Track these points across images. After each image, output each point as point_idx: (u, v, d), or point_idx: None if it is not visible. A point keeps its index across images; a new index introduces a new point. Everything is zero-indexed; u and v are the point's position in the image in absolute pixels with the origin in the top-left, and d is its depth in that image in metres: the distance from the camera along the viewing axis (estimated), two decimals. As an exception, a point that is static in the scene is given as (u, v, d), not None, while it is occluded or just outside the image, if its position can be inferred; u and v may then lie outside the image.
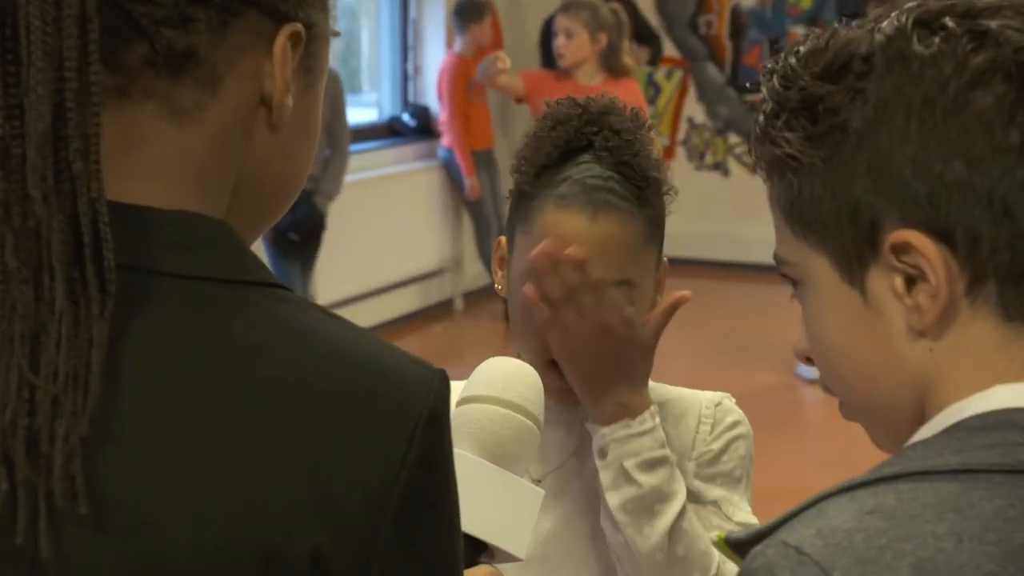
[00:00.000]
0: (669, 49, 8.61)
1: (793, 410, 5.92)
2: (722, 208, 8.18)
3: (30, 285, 0.80)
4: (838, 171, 0.86)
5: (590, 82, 5.03)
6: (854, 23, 0.90)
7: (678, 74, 8.74)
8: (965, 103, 0.83)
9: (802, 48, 0.89)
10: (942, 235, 0.84)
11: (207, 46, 0.86)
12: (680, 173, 8.43)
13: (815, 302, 0.91)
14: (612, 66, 5.34)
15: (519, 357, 1.45)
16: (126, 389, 0.81)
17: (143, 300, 0.83)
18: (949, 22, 0.85)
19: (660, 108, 8.64)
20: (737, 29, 8.56)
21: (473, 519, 1.13)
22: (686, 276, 7.76)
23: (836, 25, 0.90)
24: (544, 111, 1.51)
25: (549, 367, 1.43)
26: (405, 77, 7.64)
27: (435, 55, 7.57)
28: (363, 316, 6.74)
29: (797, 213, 0.89)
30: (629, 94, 5.14)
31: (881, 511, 0.79)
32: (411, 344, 6.50)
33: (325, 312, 0.89)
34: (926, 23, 0.86)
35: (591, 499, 1.46)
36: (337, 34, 0.96)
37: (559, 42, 5.38)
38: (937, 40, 0.85)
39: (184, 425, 0.81)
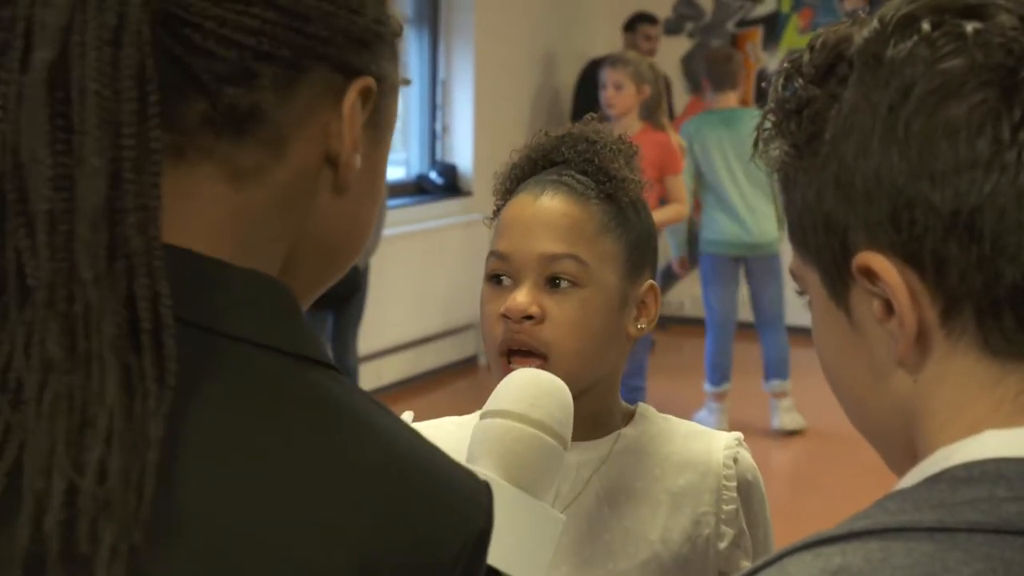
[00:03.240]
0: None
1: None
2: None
3: (77, 375, 0.71)
4: (814, 182, 0.80)
5: (627, 132, 5.18)
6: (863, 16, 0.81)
7: (704, 136, 8.79)
8: (932, 112, 0.75)
9: (814, 46, 0.82)
10: (909, 258, 0.76)
11: (272, 104, 0.79)
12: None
13: (814, 319, 0.85)
14: (651, 117, 5.58)
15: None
16: (185, 468, 0.74)
17: (209, 364, 0.76)
18: (926, 23, 0.77)
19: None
20: (763, 92, 8.60)
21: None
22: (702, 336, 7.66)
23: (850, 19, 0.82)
24: None
25: (500, 358, 1.40)
26: (433, 136, 7.72)
27: (464, 114, 7.65)
28: (388, 371, 6.77)
29: (789, 224, 0.83)
30: (666, 144, 5.46)
31: (847, 572, 0.71)
32: (435, 399, 6.52)
33: (373, 401, 0.83)
34: (908, 23, 0.78)
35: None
36: (408, 82, 0.90)
37: (608, 94, 5.58)
38: (910, 43, 0.77)
39: (241, 522, 0.74)
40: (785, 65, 0.83)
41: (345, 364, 5.65)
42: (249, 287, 0.79)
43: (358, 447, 0.78)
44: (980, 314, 0.75)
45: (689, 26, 8.77)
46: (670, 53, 8.51)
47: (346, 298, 5.56)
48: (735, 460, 1.47)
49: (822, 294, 0.82)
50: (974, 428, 0.76)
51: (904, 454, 0.80)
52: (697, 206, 6.15)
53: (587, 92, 7.69)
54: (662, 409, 1.55)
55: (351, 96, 0.82)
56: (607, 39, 8.27)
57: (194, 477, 0.74)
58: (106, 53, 0.73)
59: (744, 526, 1.46)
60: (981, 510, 0.72)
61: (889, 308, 0.77)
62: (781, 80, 0.83)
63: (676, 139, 5.88)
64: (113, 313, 0.72)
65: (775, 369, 6.06)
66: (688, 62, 8.73)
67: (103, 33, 0.73)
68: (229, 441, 0.75)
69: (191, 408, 0.74)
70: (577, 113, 7.53)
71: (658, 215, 5.36)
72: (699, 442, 1.49)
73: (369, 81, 0.83)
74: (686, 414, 5.73)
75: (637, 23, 7.93)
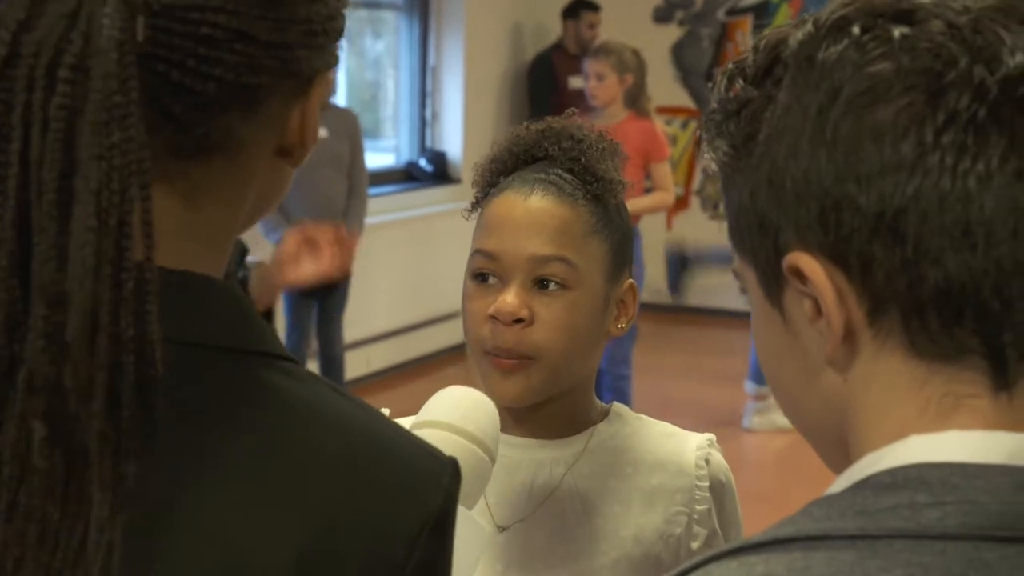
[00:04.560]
0: (684, 99, 8.68)
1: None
2: (735, 258, 8.22)
3: (58, 478, 0.70)
4: (749, 183, 0.80)
5: (613, 121, 5.41)
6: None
7: (693, 124, 8.81)
8: (859, 115, 0.75)
9: (758, 47, 0.82)
10: (836, 259, 0.76)
11: (239, 122, 0.79)
12: (694, 222, 8.48)
13: (753, 318, 0.85)
14: (635, 104, 5.66)
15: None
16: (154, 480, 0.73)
17: (179, 375, 0.74)
18: (856, 27, 0.77)
19: (675, 158, 8.71)
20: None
21: None
22: (701, 325, 7.74)
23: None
24: None
25: (486, 357, 1.40)
26: (423, 123, 7.72)
27: (453, 102, 7.65)
28: (377, 358, 6.78)
29: (728, 224, 0.84)
30: (651, 131, 5.56)
31: None
32: (424, 386, 6.50)
33: (332, 388, 0.82)
34: (840, 26, 0.78)
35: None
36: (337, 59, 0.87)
37: (591, 85, 5.68)
38: (841, 46, 0.77)
39: (203, 530, 0.75)
40: (730, 66, 0.83)
41: (331, 351, 5.64)
42: (193, 289, 0.78)
43: (310, 440, 0.78)
44: (905, 315, 0.75)
45: (679, 14, 8.78)
46: (660, 41, 8.52)
47: (331, 286, 5.55)
48: (707, 461, 1.48)
49: (759, 294, 0.82)
50: (901, 430, 0.76)
51: (838, 453, 0.81)
52: None
53: (542, 82, 7.69)
54: (648, 400, 1.56)
55: (315, 97, 0.82)
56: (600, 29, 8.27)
57: (164, 489, 0.74)
58: (112, 88, 0.71)
59: (717, 526, 1.47)
60: (902, 516, 0.72)
61: (819, 308, 0.77)
62: (725, 81, 0.83)
63: (661, 126, 5.93)
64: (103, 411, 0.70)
65: (755, 372, 6.18)
66: (678, 50, 8.74)
67: (109, 68, 0.71)
68: (193, 451, 0.75)
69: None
70: (534, 104, 7.61)
71: (643, 202, 5.41)
72: (672, 442, 1.49)
73: (329, 76, 0.83)
74: (671, 403, 5.75)
75: (580, 10, 7.77)
